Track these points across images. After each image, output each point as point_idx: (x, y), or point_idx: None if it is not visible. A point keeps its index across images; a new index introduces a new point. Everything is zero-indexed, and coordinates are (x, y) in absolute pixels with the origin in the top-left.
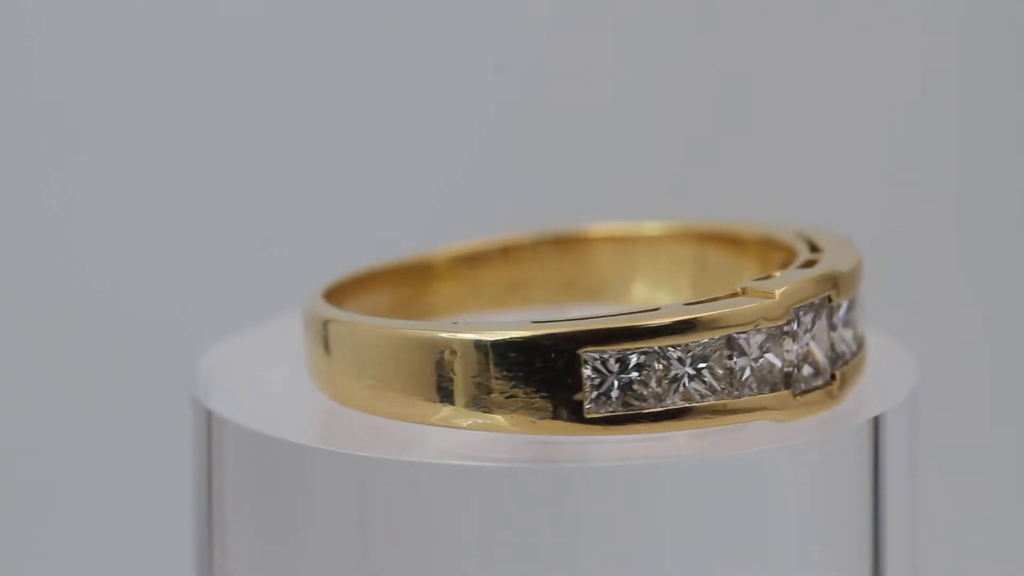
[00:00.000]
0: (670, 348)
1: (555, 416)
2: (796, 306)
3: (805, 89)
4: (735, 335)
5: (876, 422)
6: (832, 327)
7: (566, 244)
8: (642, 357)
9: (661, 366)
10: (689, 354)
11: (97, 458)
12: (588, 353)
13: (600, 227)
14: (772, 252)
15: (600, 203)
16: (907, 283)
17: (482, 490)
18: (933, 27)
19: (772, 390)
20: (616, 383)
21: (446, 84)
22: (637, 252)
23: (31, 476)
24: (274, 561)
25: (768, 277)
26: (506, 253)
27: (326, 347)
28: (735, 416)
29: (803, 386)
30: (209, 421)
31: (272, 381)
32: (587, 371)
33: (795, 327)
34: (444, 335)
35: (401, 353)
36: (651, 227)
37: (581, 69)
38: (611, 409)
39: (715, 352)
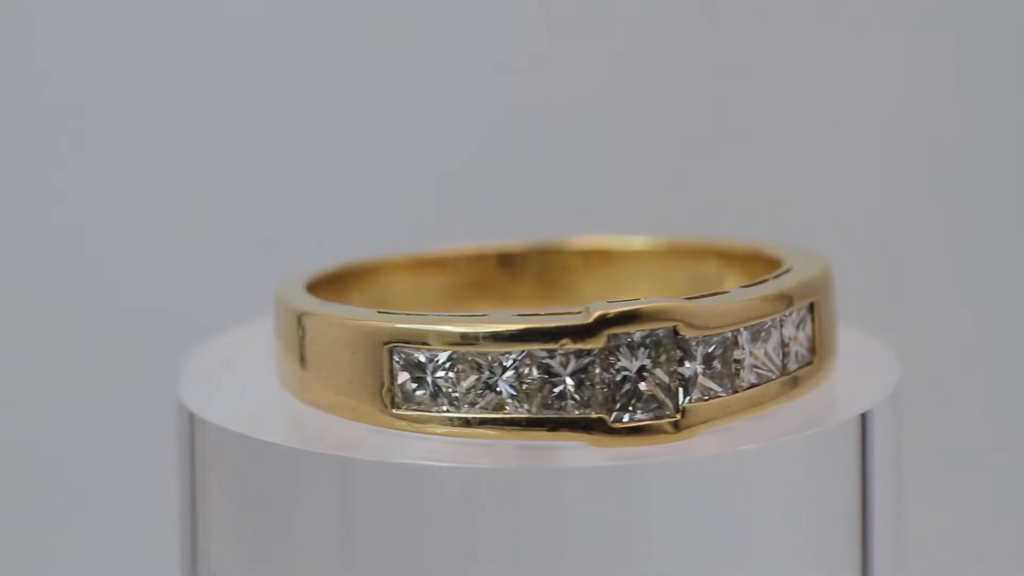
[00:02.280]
0: (477, 355)
1: (376, 407)
2: (617, 332)
3: (798, 94)
4: (538, 352)
5: (862, 419)
6: (678, 361)
7: (557, 254)
8: (451, 360)
9: (474, 372)
10: (498, 364)
11: (85, 458)
12: (399, 350)
13: (591, 239)
14: (760, 269)
15: (596, 208)
16: (892, 282)
17: (462, 491)
18: (902, 34)
19: (591, 412)
20: (430, 382)
21: (442, 86)
22: (626, 265)
23: (17, 476)
24: (259, 562)
25: (634, 300)
26: (499, 259)
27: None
28: (541, 433)
29: (631, 415)
30: (192, 423)
31: (255, 382)
32: (397, 367)
33: (620, 353)
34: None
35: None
36: (639, 241)
37: (576, 75)
38: (419, 407)
39: (525, 366)
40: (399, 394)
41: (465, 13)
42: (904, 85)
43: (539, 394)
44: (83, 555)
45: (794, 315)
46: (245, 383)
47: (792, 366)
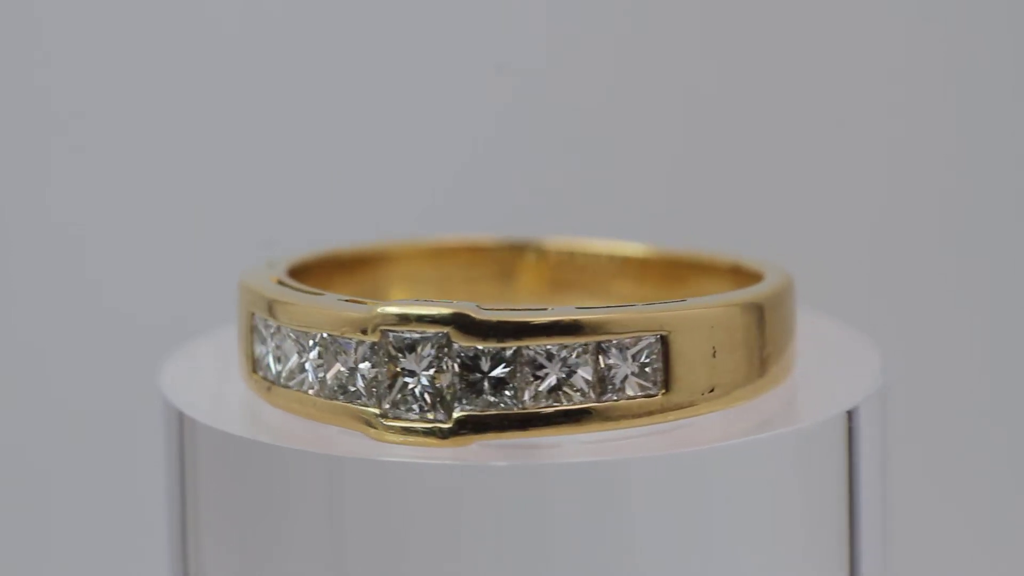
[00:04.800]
0: (291, 332)
1: (246, 369)
2: (392, 330)
3: (791, 94)
4: (329, 336)
5: (848, 417)
6: (458, 369)
7: (549, 254)
8: (276, 333)
9: (295, 349)
10: (305, 344)
11: (78, 458)
12: (255, 317)
13: (584, 242)
14: (744, 283)
15: (592, 212)
16: (879, 280)
17: (450, 489)
18: (884, 32)
19: (371, 406)
20: (268, 353)
21: (440, 87)
22: (614, 269)
23: (8, 477)
24: (249, 561)
25: (423, 302)
26: (494, 254)
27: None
28: (333, 418)
29: (406, 412)
30: (181, 422)
31: (241, 378)
32: (254, 334)
33: (394, 351)
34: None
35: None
36: (631, 247)
37: (574, 77)
38: (265, 376)
39: (320, 349)
40: (253, 360)
41: (461, 12)
42: (898, 83)
43: (335, 381)
44: (73, 555)
45: (630, 343)
46: (232, 380)
47: (619, 395)
